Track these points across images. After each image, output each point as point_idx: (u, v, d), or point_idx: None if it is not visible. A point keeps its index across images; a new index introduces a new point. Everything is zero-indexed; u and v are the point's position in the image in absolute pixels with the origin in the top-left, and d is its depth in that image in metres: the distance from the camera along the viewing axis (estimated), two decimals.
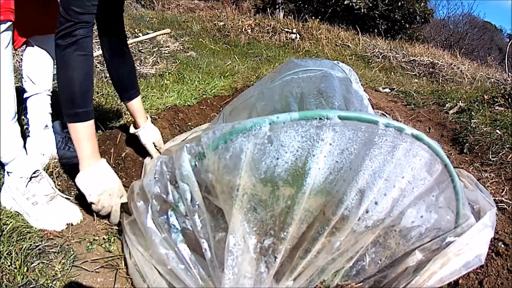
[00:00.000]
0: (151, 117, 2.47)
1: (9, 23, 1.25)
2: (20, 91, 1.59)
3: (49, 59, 1.68)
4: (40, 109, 1.71)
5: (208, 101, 3.17)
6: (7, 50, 1.27)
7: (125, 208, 1.39)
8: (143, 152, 1.99)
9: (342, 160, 1.06)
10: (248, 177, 1.02)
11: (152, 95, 2.85)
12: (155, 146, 1.94)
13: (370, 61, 6.75)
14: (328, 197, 1.07)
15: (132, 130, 1.90)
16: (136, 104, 1.83)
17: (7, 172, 1.39)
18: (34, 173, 1.39)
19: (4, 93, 1.28)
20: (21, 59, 1.69)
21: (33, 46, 1.65)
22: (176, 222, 1.15)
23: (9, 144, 1.34)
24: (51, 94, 1.75)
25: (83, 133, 1.33)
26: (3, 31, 1.23)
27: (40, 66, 1.67)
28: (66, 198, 1.50)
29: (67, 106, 1.30)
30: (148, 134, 1.89)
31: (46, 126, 1.74)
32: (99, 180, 1.36)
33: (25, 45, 1.65)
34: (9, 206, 1.39)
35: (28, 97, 1.70)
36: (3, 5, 1.21)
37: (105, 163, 1.41)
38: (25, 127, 1.84)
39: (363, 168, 1.05)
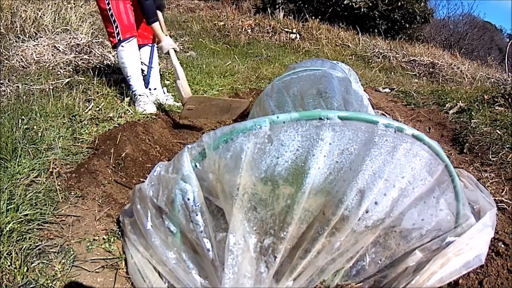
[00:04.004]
0: (151, 117, 2.47)
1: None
2: None
3: None
4: None
5: None
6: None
7: (126, 209, 1.39)
8: (143, 152, 1.99)
9: (342, 160, 1.06)
10: (249, 176, 1.02)
11: None
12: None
13: (370, 61, 6.75)
14: (328, 197, 1.07)
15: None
16: None
17: None
18: None
19: None
20: None
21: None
22: (171, 225, 1.15)
23: None
24: None
25: None
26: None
27: None
28: None
29: None
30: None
31: None
32: None
33: None
34: None
35: None
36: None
37: None
38: None
39: (363, 168, 1.05)
